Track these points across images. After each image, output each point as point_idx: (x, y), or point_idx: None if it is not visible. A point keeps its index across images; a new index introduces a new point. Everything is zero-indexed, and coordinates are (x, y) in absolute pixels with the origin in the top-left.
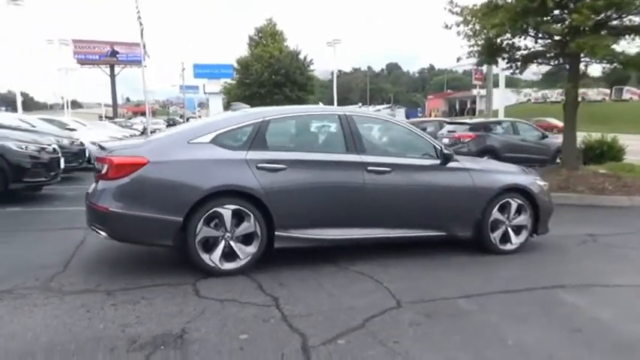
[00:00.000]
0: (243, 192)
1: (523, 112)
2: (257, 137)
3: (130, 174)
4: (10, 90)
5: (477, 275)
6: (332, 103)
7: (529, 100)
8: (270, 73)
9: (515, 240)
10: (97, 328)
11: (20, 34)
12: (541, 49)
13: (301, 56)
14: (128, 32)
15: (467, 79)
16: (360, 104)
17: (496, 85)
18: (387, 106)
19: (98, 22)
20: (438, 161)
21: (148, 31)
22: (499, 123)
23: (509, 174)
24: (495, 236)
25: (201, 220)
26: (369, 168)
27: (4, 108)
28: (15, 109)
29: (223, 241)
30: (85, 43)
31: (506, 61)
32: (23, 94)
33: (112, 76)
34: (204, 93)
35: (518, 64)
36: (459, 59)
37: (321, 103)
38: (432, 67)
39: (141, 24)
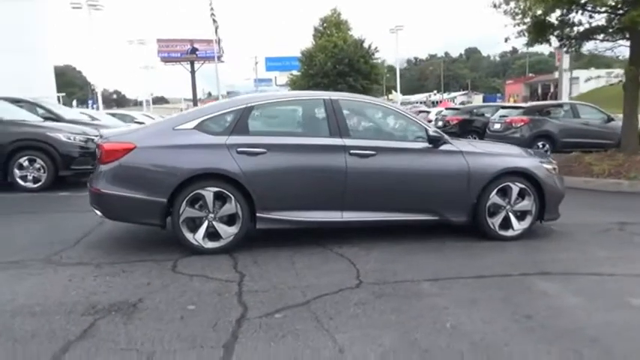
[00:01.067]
0: (224, 175)
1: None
2: (239, 123)
3: (120, 158)
4: (105, 89)
5: (459, 260)
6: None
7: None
8: (334, 63)
9: (518, 226)
10: (69, 294)
11: (104, 35)
12: (599, 24)
13: (366, 45)
14: (207, 29)
15: (553, 62)
16: (435, 92)
17: (585, 66)
18: (463, 92)
19: (179, 20)
20: (428, 144)
21: (226, 26)
22: (559, 106)
23: (510, 157)
24: (494, 222)
25: (184, 201)
26: (352, 151)
27: (90, 103)
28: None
29: (207, 222)
30: (167, 42)
31: (558, 38)
32: (117, 92)
33: (192, 72)
34: (276, 85)
35: (573, 42)
36: (507, 39)
37: (394, 92)
38: (514, 50)
39: (215, 21)
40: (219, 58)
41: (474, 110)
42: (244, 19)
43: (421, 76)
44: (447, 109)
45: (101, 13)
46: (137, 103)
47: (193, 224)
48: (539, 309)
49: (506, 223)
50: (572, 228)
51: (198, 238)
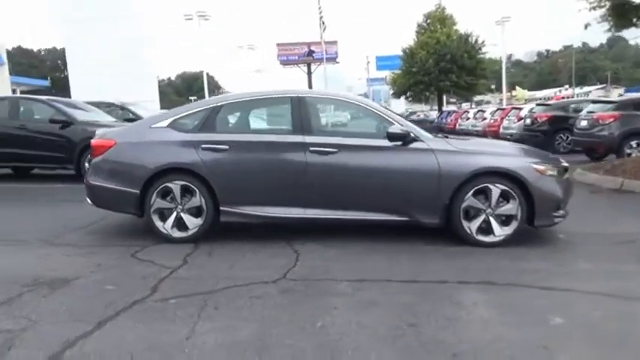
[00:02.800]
0: (188, 169)
1: None
2: (207, 121)
3: (103, 153)
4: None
5: (410, 264)
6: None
7: None
8: (436, 60)
9: (500, 231)
10: (33, 268)
11: (218, 42)
12: None
13: (472, 39)
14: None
15: None
16: (567, 86)
17: None
18: (600, 86)
19: (287, 25)
20: (397, 142)
21: (341, 26)
22: None
23: (490, 156)
24: (471, 225)
25: (155, 193)
26: (312, 149)
27: None
28: None
29: (175, 213)
30: (286, 45)
31: None
32: None
33: (309, 73)
34: (386, 84)
35: None
36: (587, 26)
37: (518, 88)
38: None
39: (323, 23)
40: (334, 59)
41: (571, 106)
42: (358, 18)
43: (553, 70)
44: (537, 104)
45: (209, 23)
46: None
47: (164, 215)
48: (435, 318)
49: (488, 228)
50: (586, 237)
51: (167, 227)
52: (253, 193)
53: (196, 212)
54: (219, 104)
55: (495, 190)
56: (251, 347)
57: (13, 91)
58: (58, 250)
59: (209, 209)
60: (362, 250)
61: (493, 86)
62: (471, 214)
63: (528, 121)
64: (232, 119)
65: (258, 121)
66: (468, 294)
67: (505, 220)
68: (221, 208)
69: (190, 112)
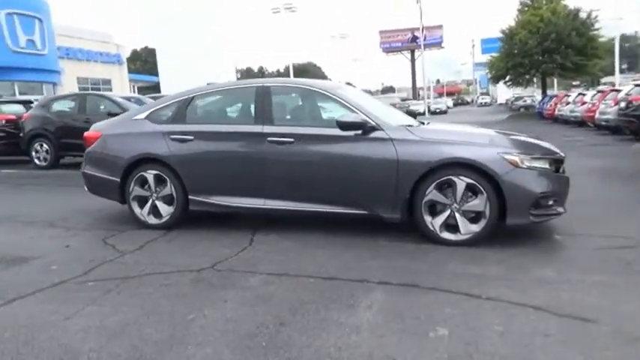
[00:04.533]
0: (159, 160)
1: None
2: (178, 112)
3: (92, 144)
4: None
5: (346, 260)
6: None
7: None
8: (538, 40)
9: (467, 229)
10: (10, 247)
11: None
12: None
13: (582, 14)
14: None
15: None
16: None
17: None
18: None
19: (391, 10)
20: (353, 132)
21: (447, 10)
22: None
23: (456, 145)
24: (434, 222)
25: (133, 181)
26: (270, 139)
27: None
28: None
29: (150, 200)
30: (389, 32)
31: None
32: (348, 84)
33: (412, 60)
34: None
35: None
36: None
37: None
38: None
39: (420, 8)
40: (439, 44)
41: None
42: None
43: None
44: (636, 85)
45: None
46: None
47: (143, 202)
48: (310, 319)
49: (455, 225)
50: (583, 239)
51: (144, 214)
52: (217, 183)
53: (169, 200)
54: (190, 96)
55: (460, 183)
56: (107, 333)
57: (132, 88)
58: (51, 231)
59: (179, 198)
60: (317, 244)
61: (625, 66)
62: (437, 210)
63: (623, 104)
64: (201, 110)
65: (224, 111)
66: (373, 296)
67: (474, 217)
68: (189, 197)
69: (166, 104)
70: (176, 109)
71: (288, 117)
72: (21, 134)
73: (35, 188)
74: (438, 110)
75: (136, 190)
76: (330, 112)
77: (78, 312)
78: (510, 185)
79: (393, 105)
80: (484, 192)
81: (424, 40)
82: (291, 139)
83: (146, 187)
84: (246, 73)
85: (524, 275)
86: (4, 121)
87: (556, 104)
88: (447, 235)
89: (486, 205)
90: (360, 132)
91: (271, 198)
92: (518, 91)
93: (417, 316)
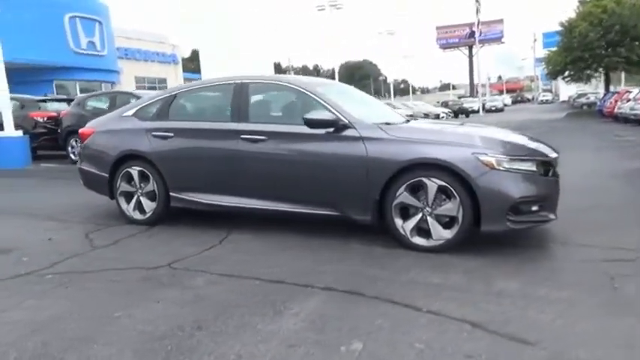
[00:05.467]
0: (142, 156)
1: None
2: (162, 109)
3: (86, 140)
4: (395, 79)
5: (305, 263)
6: None
7: None
8: (600, 33)
9: (438, 234)
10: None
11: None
12: None
13: None
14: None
15: None
16: None
17: None
18: None
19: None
20: (324, 130)
21: (507, 3)
22: None
23: (428, 145)
24: (405, 225)
25: (120, 177)
26: (243, 136)
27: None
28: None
29: (136, 196)
30: (446, 28)
31: None
32: (404, 82)
33: (470, 56)
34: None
35: None
36: None
37: None
38: None
39: (477, 1)
40: (499, 39)
41: None
42: None
43: None
44: None
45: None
46: (424, 91)
47: (129, 197)
48: (220, 325)
49: (424, 229)
50: (573, 250)
51: (129, 209)
52: (195, 180)
53: (152, 197)
54: (173, 93)
55: (431, 185)
56: (32, 327)
57: None
58: (46, 224)
59: (161, 194)
60: (287, 245)
61: None
62: (410, 213)
63: None
64: (182, 107)
65: (204, 109)
66: (308, 302)
67: (449, 222)
68: (170, 193)
69: (151, 101)
70: (160, 106)
71: (263, 114)
72: (59, 130)
73: (64, 182)
74: (493, 108)
75: (122, 185)
76: (307, 109)
77: (18, 304)
78: (485, 188)
79: (446, 103)
80: (456, 195)
81: (481, 35)
82: (264, 137)
83: (132, 183)
84: (302, 72)
85: (484, 287)
86: (45, 118)
87: (616, 101)
88: (418, 240)
89: (459, 210)
90: (331, 130)
91: (246, 197)
92: (584, 87)
93: (341, 327)
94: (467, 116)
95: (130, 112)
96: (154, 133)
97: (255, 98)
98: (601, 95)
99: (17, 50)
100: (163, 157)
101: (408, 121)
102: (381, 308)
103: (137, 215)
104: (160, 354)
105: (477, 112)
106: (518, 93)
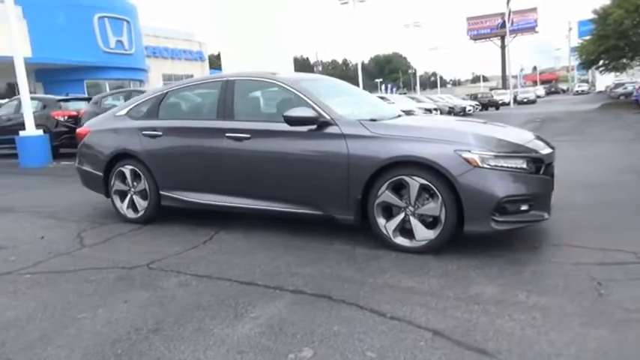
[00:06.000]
0: (134, 155)
1: None
2: (152, 108)
3: (82, 140)
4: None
5: (282, 264)
6: None
7: None
8: (635, 20)
9: (421, 235)
10: None
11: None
12: None
13: None
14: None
15: None
16: None
17: None
18: None
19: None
20: (308, 127)
21: None
22: None
23: (410, 141)
24: (388, 225)
25: (114, 176)
26: (228, 134)
27: (389, 87)
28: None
29: (129, 195)
30: (477, 19)
31: None
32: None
33: (502, 47)
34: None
35: None
36: None
37: None
38: None
39: None
40: (532, 28)
41: None
42: None
43: None
44: None
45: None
46: (456, 83)
47: (124, 196)
48: (177, 327)
49: (407, 230)
50: (568, 252)
51: (123, 207)
52: (183, 179)
53: (144, 195)
54: (164, 92)
55: (413, 184)
56: None
57: None
58: (44, 222)
59: (152, 193)
60: (273, 245)
61: None
62: (393, 213)
63: None
64: (172, 106)
65: (192, 107)
66: (271, 305)
67: (432, 222)
68: (160, 192)
69: (143, 100)
70: (151, 105)
71: (248, 112)
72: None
73: (76, 180)
74: (525, 100)
75: (117, 184)
76: (290, 106)
77: None
78: (467, 187)
79: (474, 96)
80: (439, 194)
81: (513, 25)
82: (248, 135)
83: (126, 181)
84: (332, 66)
85: (459, 292)
86: (66, 117)
87: None
88: (400, 241)
89: (441, 210)
90: (314, 127)
91: (233, 196)
92: (621, 77)
93: (296, 332)
94: (497, 109)
95: (123, 112)
96: (144, 132)
97: (240, 96)
98: (638, 85)
99: (49, 51)
100: (153, 156)
101: (399, 116)
102: (343, 313)
103: (130, 214)
104: (108, 358)
105: (508, 104)
106: (552, 84)
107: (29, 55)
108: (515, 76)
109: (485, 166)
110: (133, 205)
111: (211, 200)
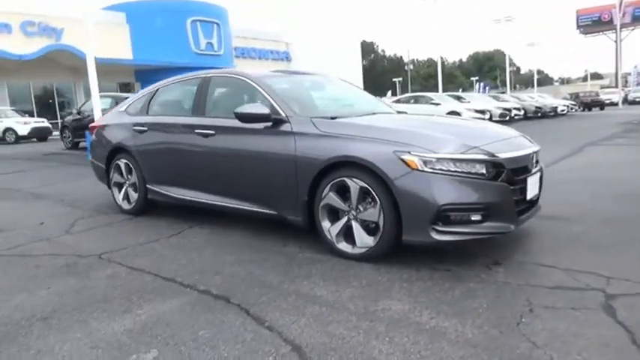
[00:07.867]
0: (126, 150)
1: None
2: (144, 104)
3: (93, 134)
4: (530, 69)
5: (226, 264)
6: None
7: None
8: None
9: (362, 241)
10: None
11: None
12: None
13: None
14: None
15: None
16: None
17: None
18: None
19: None
20: (264, 124)
21: None
22: None
23: (354, 141)
24: (332, 229)
25: (112, 169)
26: (197, 131)
27: (481, 86)
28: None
29: (125, 187)
30: (588, 10)
31: None
32: (539, 72)
33: (617, 40)
34: None
35: None
36: None
37: None
38: None
39: None
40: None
41: None
42: None
43: None
44: None
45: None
46: (564, 82)
47: (121, 188)
48: (49, 314)
49: (351, 235)
50: (530, 271)
51: (119, 199)
52: (164, 174)
53: (135, 188)
54: (156, 88)
55: (354, 186)
56: None
57: None
58: (59, 209)
59: (140, 186)
60: (228, 242)
61: None
62: (339, 216)
63: None
64: (159, 102)
65: (175, 103)
66: (165, 304)
67: (374, 228)
68: (147, 186)
69: (138, 97)
70: (144, 102)
71: (217, 108)
72: None
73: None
74: (637, 100)
75: (115, 176)
76: (253, 102)
77: None
78: (404, 192)
79: (575, 95)
80: (377, 198)
81: (628, 16)
82: (213, 132)
83: (122, 174)
84: (427, 64)
85: (363, 306)
86: None
87: None
88: (343, 246)
89: (380, 215)
90: (269, 124)
91: (203, 191)
92: None
93: (162, 333)
94: (602, 109)
95: (123, 108)
96: (134, 128)
97: (213, 92)
98: None
99: (146, 53)
100: (140, 151)
101: (374, 114)
102: (224, 317)
103: (125, 205)
104: None
105: (616, 104)
106: None
107: (130, 57)
108: (629, 74)
109: (426, 169)
110: (127, 197)
111: (185, 195)
